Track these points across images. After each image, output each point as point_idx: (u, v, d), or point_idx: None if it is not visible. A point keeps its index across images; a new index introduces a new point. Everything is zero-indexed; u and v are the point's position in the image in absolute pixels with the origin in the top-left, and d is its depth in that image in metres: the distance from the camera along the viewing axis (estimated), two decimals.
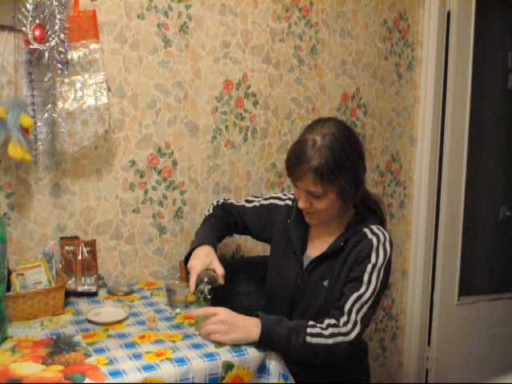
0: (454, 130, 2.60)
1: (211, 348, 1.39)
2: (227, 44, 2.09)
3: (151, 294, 1.79)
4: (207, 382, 1.31)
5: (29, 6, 1.60)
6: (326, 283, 1.58)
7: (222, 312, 1.43)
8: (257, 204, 1.82)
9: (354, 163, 1.53)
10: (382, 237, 1.57)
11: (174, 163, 2.03)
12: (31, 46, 1.63)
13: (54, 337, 1.43)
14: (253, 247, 2.22)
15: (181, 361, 1.31)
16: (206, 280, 1.53)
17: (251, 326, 1.41)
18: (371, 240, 1.56)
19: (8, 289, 1.52)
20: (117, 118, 1.91)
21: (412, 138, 2.65)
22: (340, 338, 1.44)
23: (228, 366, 1.34)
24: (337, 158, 1.49)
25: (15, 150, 1.62)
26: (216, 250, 1.65)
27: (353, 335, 1.46)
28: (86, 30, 1.75)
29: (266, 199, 1.82)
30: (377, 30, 2.47)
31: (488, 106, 2.79)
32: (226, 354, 1.36)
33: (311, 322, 1.45)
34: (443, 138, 2.61)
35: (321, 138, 1.50)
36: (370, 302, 1.50)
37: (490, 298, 2.81)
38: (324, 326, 1.45)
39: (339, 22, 2.35)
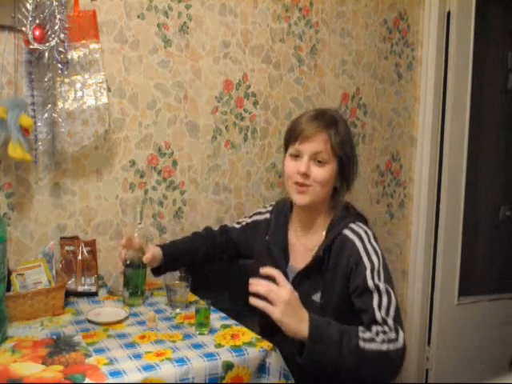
0: (453, 130, 2.60)
1: (211, 348, 1.39)
2: (227, 44, 2.09)
3: (151, 293, 1.79)
4: (207, 381, 1.31)
5: (29, 6, 1.61)
6: (316, 298, 1.52)
7: (291, 291, 1.33)
8: (243, 223, 1.85)
9: (354, 148, 1.59)
10: (364, 235, 1.50)
11: (174, 163, 2.03)
12: (31, 46, 1.63)
13: (54, 337, 1.43)
14: None
15: (181, 361, 1.31)
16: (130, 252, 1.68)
17: (304, 321, 1.32)
18: (354, 242, 1.49)
19: (8, 289, 1.52)
20: (117, 118, 1.91)
21: (412, 138, 2.65)
22: (392, 345, 1.34)
23: (228, 366, 1.34)
24: (347, 130, 1.56)
25: (15, 150, 1.63)
26: (166, 251, 1.75)
27: (401, 340, 1.36)
28: (86, 30, 1.75)
29: (250, 217, 1.85)
30: (377, 30, 2.47)
31: (488, 106, 2.79)
32: (226, 354, 1.36)
33: (361, 327, 1.36)
34: (443, 138, 2.61)
35: (331, 111, 1.59)
36: (392, 303, 1.41)
37: (490, 298, 2.81)
38: (374, 332, 1.35)
39: (339, 22, 2.35)
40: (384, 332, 1.35)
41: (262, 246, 1.69)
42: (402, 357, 1.35)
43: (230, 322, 1.57)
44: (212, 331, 1.49)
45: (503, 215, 2.87)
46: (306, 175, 1.50)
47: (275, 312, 1.30)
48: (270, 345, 1.42)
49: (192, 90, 2.04)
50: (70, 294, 1.71)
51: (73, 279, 1.75)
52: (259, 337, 1.46)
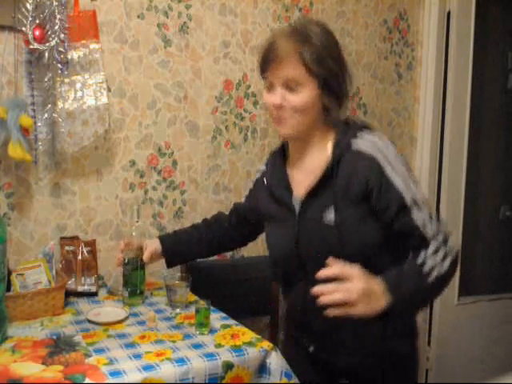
0: (453, 130, 2.60)
1: (211, 348, 1.38)
2: (227, 44, 2.09)
3: (151, 293, 1.79)
4: (207, 381, 1.31)
5: (29, 6, 1.61)
6: (329, 220, 1.32)
7: (359, 277, 1.16)
8: (247, 192, 1.68)
9: (341, 59, 1.35)
10: (379, 143, 1.31)
11: (174, 163, 2.03)
12: (31, 46, 1.63)
13: (54, 337, 1.43)
14: (253, 247, 2.22)
15: (181, 361, 1.31)
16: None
17: (382, 295, 1.18)
18: (371, 156, 1.29)
19: (8, 289, 1.52)
20: (117, 118, 1.91)
21: (412, 138, 2.65)
22: (451, 255, 1.26)
23: (228, 366, 1.34)
24: (326, 42, 1.31)
25: (15, 150, 1.63)
26: (165, 247, 1.69)
27: (453, 244, 1.27)
28: (86, 30, 1.76)
29: (253, 182, 1.66)
30: (377, 30, 2.47)
31: (488, 106, 2.79)
32: (225, 354, 1.36)
33: (419, 260, 1.25)
34: (443, 138, 2.61)
35: (305, 23, 1.34)
36: (431, 211, 1.29)
37: (490, 298, 2.81)
38: (430, 252, 1.24)
39: (339, 22, 2.35)
40: (437, 249, 1.25)
41: (264, 195, 1.51)
42: (456, 263, 1.28)
43: (230, 321, 1.57)
44: (212, 331, 1.49)
45: (503, 215, 2.87)
46: (281, 106, 1.31)
47: (359, 311, 1.15)
48: (271, 345, 1.42)
49: (192, 89, 2.04)
50: (70, 293, 1.70)
51: (73, 279, 1.75)
52: (259, 337, 1.46)
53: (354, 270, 1.17)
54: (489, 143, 2.82)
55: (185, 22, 2.00)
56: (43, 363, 1.28)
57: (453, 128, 2.60)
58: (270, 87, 1.34)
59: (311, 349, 1.46)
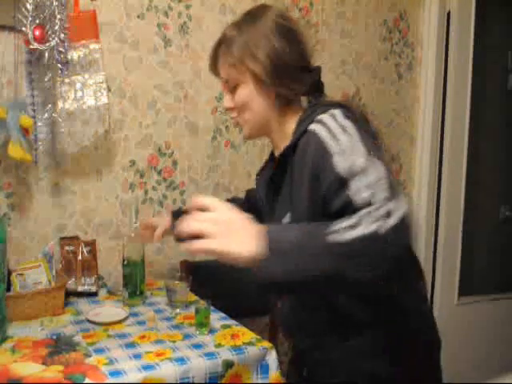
0: (453, 130, 2.60)
1: (211, 348, 1.38)
2: None
3: (151, 293, 1.79)
4: (207, 381, 1.31)
5: (29, 6, 1.60)
6: (285, 219, 1.18)
7: (227, 210, 0.95)
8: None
9: (281, 42, 1.19)
10: (328, 118, 1.11)
11: (174, 163, 2.03)
12: (31, 46, 1.63)
13: (54, 337, 1.43)
14: None
15: (181, 360, 1.31)
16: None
17: (255, 235, 0.92)
18: (316, 134, 1.10)
19: (8, 289, 1.52)
20: (117, 118, 1.91)
21: (412, 138, 2.65)
22: (381, 222, 0.91)
23: (228, 364, 1.34)
24: (252, 34, 1.20)
25: (15, 150, 1.62)
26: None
27: (396, 212, 0.93)
28: (86, 30, 1.75)
29: None
30: (377, 30, 2.47)
31: (488, 106, 2.79)
32: (226, 353, 1.36)
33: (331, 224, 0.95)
34: (443, 138, 2.61)
35: (242, 19, 1.25)
36: (379, 175, 1.00)
37: (490, 297, 2.81)
38: (355, 217, 0.94)
39: (339, 22, 2.35)
40: (369, 212, 0.94)
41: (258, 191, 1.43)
42: (400, 230, 0.92)
43: (230, 321, 1.57)
44: (212, 331, 1.49)
45: (503, 215, 2.87)
46: (231, 109, 1.27)
47: (220, 246, 0.91)
48: (270, 344, 1.42)
49: (192, 90, 2.04)
50: (70, 294, 1.71)
51: (73, 279, 1.75)
52: (259, 337, 1.46)
53: (221, 203, 0.96)
54: (489, 143, 2.82)
55: (185, 22, 2.00)
56: (43, 363, 1.28)
57: (453, 128, 2.60)
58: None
59: (304, 373, 1.35)
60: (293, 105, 1.24)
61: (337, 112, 1.12)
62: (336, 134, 1.08)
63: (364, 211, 0.94)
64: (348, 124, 1.09)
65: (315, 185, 1.08)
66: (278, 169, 1.24)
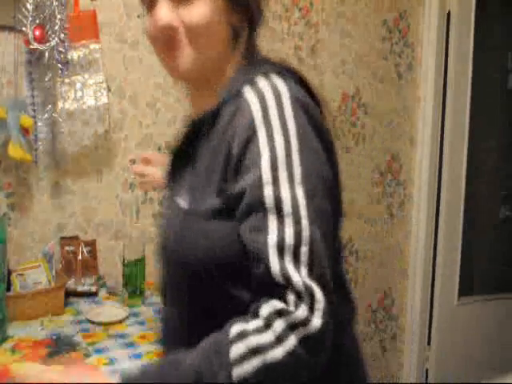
0: (453, 130, 2.60)
1: None
2: None
3: (151, 293, 1.79)
4: None
5: (29, 6, 1.60)
6: (181, 200, 0.88)
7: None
8: None
9: None
10: (270, 93, 0.82)
11: None
12: (31, 46, 1.63)
13: (54, 337, 1.43)
14: None
15: None
16: None
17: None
18: (247, 102, 0.82)
19: (8, 289, 1.52)
20: (117, 118, 1.91)
21: (412, 138, 2.65)
22: (298, 333, 0.72)
23: None
24: None
25: (15, 150, 1.63)
26: None
27: (316, 320, 0.72)
28: (86, 30, 1.76)
29: None
30: (377, 30, 2.47)
31: (488, 106, 2.79)
32: None
33: (235, 328, 0.75)
34: (443, 138, 2.61)
35: None
36: (308, 238, 0.75)
37: (490, 297, 2.81)
38: (261, 323, 0.74)
39: (339, 22, 2.35)
40: (280, 315, 0.73)
41: None
42: (318, 344, 0.73)
43: None
44: None
45: (503, 215, 2.87)
46: (171, 27, 0.87)
47: None
48: None
49: None
50: (69, 294, 1.70)
51: (73, 279, 1.75)
52: None
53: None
54: (489, 143, 2.82)
55: None
56: (43, 363, 1.28)
57: (453, 128, 2.60)
58: (151, 6, 0.89)
59: None
60: (237, 44, 0.94)
61: (285, 91, 0.83)
62: (272, 124, 0.79)
63: (275, 309, 0.73)
64: (293, 115, 0.81)
65: (230, 178, 0.81)
66: (190, 135, 0.93)
